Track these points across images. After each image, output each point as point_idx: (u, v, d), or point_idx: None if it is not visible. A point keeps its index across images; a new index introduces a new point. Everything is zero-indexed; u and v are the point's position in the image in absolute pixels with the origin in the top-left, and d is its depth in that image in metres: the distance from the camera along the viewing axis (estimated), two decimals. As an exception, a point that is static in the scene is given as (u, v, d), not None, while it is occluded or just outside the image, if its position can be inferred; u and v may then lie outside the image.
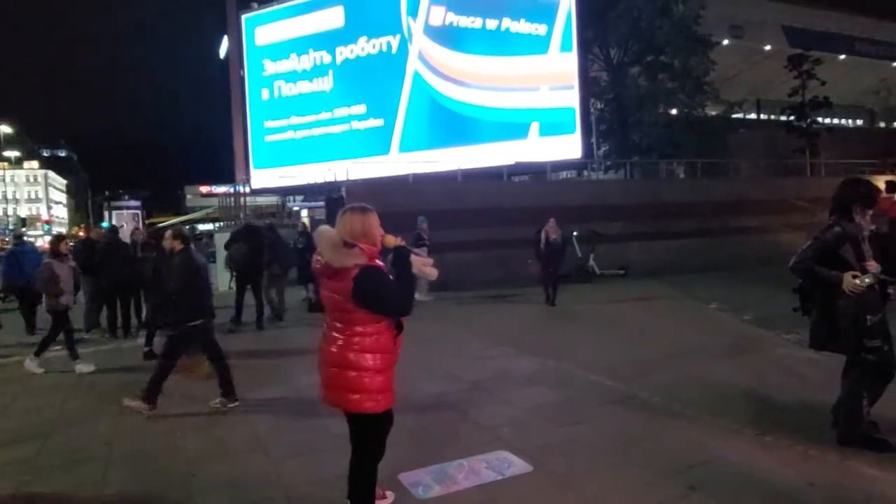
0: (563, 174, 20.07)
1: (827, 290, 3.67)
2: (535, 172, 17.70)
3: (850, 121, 36.08)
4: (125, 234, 10.16)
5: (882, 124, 35.76)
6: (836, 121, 32.02)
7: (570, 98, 17.77)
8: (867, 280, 3.49)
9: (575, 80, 17.77)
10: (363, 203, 2.90)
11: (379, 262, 2.82)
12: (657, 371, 5.95)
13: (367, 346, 2.77)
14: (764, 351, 6.45)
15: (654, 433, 4.31)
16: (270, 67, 20.23)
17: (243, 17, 20.92)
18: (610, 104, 21.73)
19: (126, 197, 21.92)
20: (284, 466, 3.98)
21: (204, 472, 3.96)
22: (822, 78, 23.53)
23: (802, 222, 15.03)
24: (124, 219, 20.34)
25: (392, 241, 2.83)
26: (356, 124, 18.97)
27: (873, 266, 3.56)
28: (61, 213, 49.28)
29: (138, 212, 21.21)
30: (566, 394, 5.36)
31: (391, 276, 2.82)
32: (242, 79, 20.88)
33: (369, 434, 2.92)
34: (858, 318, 3.63)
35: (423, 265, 2.92)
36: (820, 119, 24.46)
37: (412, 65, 18.24)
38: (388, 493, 3.38)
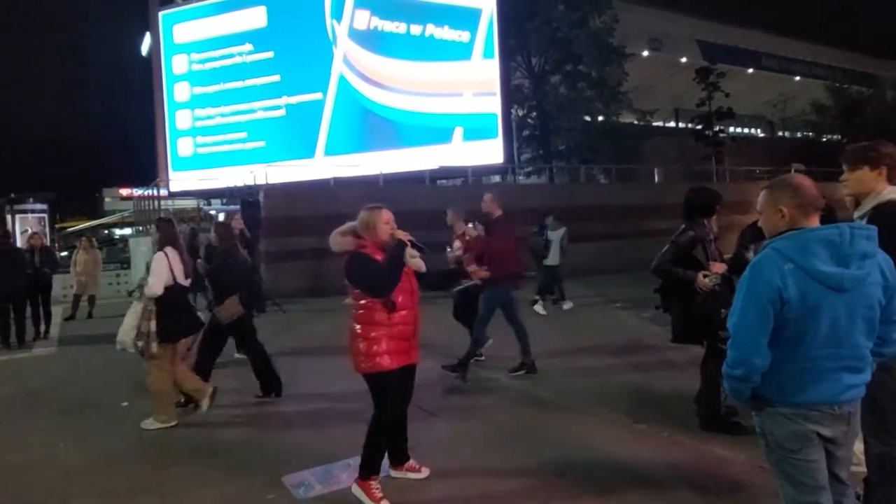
0: (495, 178, 20.48)
1: (684, 288, 4.00)
2: (459, 177, 17.97)
3: (753, 130, 38.60)
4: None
5: (782, 134, 38.47)
6: (741, 130, 34.16)
7: (493, 104, 18.16)
8: (715, 278, 3.84)
9: (497, 87, 18.18)
10: (378, 203, 3.45)
11: (372, 251, 3.30)
12: (554, 367, 6.22)
13: (358, 318, 3.34)
14: (652, 346, 6.84)
15: (540, 425, 4.54)
16: (190, 67, 19.62)
17: (160, 14, 20.21)
18: (532, 111, 22.36)
19: (31, 200, 20.34)
20: (166, 474, 3.93)
21: (81, 482, 3.86)
22: (731, 90, 25.09)
23: (714, 225, 16.03)
24: (29, 223, 19.13)
25: (399, 235, 3.34)
26: (280, 127, 18.68)
27: (719, 267, 3.92)
28: (-38, 217, 45.83)
29: (45, 215, 19.86)
30: (465, 392, 5.55)
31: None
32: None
33: (373, 391, 3.40)
34: (713, 312, 3.97)
35: (412, 257, 3.41)
36: (731, 128, 26.08)
37: (337, 68, 18.15)
38: (424, 468, 3.70)
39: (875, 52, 40.62)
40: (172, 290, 4.69)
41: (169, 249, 4.77)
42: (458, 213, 6.32)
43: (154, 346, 4.58)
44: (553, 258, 10.07)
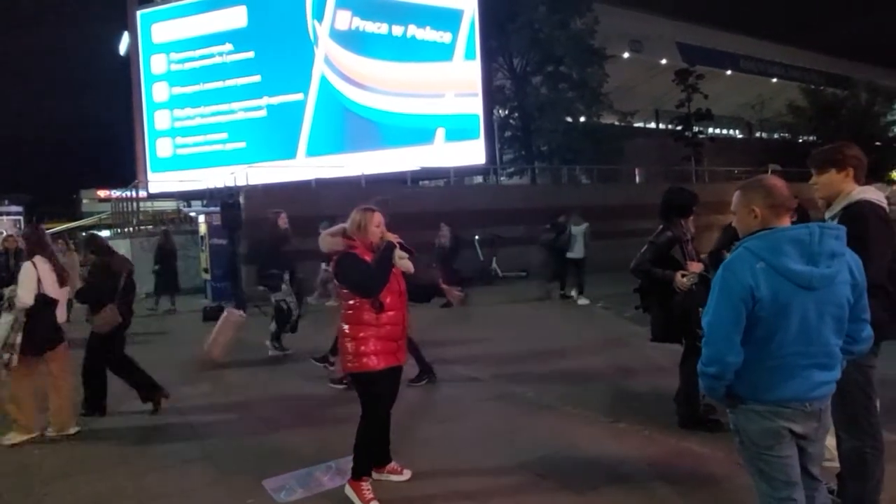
0: (477, 179, 20.54)
1: (662, 288, 4.05)
2: (442, 178, 18.00)
3: (731, 131, 39.17)
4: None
5: (759, 135, 39.09)
6: (719, 131, 34.64)
7: (475, 105, 18.22)
8: (693, 278, 3.89)
9: (479, 88, 18.25)
10: (370, 205, 3.46)
11: (362, 252, 3.32)
12: (536, 367, 6.27)
13: (346, 318, 3.36)
14: (632, 345, 6.91)
15: (521, 425, 4.56)
16: (169, 67, 19.39)
17: (139, 13, 19.95)
18: (514, 112, 22.47)
19: (6, 202, 19.98)
20: (145, 479, 3.88)
21: (58, 490, 3.80)
22: (709, 91, 25.43)
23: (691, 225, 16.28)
24: (4, 225, 18.75)
25: (389, 236, 3.38)
26: (261, 127, 18.55)
27: (697, 266, 3.98)
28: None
29: (20, 218, 19.48)
30: (449, 392, 5.56)
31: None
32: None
33: (360, 391, 3.43)
34: (691, 310, 4.02)
35: (400, 258, 3.41)
36: (710, 129, 26.45)
37: (318, 68, 18.07)
38: (406, 470, 3.71)
39: (849, 55, 41.49)
40: (38, 300, 4.55)
41: (38, 259, 4.62)
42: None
43: (15, 359, 4.47)
44: (578, 251, 10.97)
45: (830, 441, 2.98)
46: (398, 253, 3.38)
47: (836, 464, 3.00)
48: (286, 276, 7.21)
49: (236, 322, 7.08)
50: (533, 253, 15.54)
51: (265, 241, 7.48)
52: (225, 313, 7.26)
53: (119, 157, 26.00)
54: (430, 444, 4.26)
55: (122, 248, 15.43)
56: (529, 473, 3.68)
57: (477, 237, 14.18)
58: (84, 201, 50.48)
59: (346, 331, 3.36)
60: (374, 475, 3.58)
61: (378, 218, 3.40)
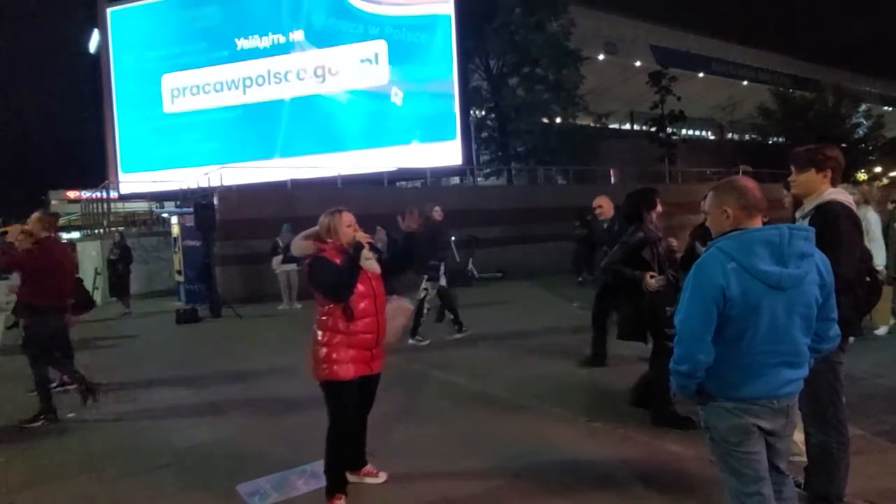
0: (454, 180, 20.55)
1: (631, 287, 4.10)
2: (418, 178, 17.97)
3: (703, 132, 39.92)
4: None
5: (730, 136, 39.92)
6: (692, 132, 35.26)
7: (451, 105, 18.22)
8: (661, 279, 3.95)
9: (455, 89, 18.25)
10: (339, 206, 3.40)
11: (332, 255, 3.27)
12: (511, 368, 6.28)
13: (321, 324, 3.33)
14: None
15: (497, 427, 4.57)
16: (141, 65, 19.03)
17: (109, 10, 19.55)
18: (490, 112, 22.56)
19: (-28, 203, 19.60)
20: (115, 486, 3.80)
21: (23, 498, 3.70)
22: (682, 93, 25.85)
23: (659, 225, 16.55)
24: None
25: (360, 236, 3.33)
26: (235, 127, 18.30)
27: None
28: None
29: (-14, 219, 19.05)
30: (424, 395, 5.54)
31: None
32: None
33: (328, 400, 3.35)
34: (659, 310, 4.08)
35: (366, 259, 3.33)
36: (683, 130, 26.91)
37: (295, 67, 17.90)
38: (382, 473, 3.68)
39: (817, 60, 42.53)
40: None
41: None
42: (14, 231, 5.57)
43: None
44: None
45: (798, 437, 3.05)
46: (364, 253, 3.32)
47: (804, 458, 3.07)
48: (442, 267, 7.66)
49: (405, 309, 7.06)
50: (510, 253, 15.68)
51: (423, 234, 7.43)
52: (393, 303, 7.18)
53: (89, 157, 25.44)
54: (407, 446, 4.24)
55: (92, 250, 15.09)
56: (506, 474, 3.68)
57: (453, 238, 14.16)
58: (53, 202, 49.18)
59: (319, 337, 3.31)
60: (350, 478, 3.54)
61: (348, 218, 3.34)
